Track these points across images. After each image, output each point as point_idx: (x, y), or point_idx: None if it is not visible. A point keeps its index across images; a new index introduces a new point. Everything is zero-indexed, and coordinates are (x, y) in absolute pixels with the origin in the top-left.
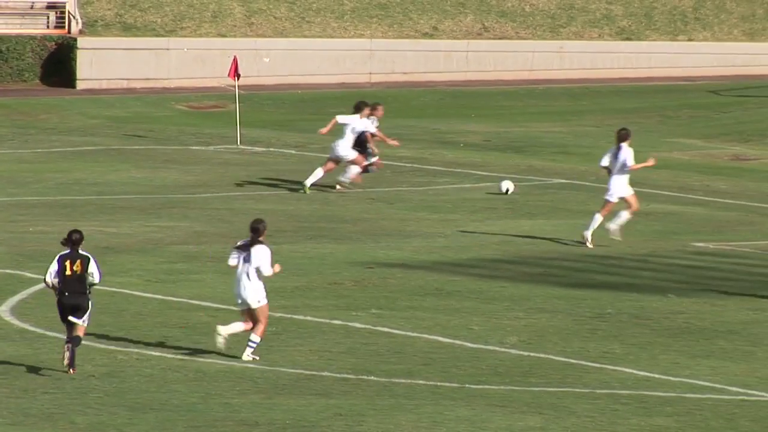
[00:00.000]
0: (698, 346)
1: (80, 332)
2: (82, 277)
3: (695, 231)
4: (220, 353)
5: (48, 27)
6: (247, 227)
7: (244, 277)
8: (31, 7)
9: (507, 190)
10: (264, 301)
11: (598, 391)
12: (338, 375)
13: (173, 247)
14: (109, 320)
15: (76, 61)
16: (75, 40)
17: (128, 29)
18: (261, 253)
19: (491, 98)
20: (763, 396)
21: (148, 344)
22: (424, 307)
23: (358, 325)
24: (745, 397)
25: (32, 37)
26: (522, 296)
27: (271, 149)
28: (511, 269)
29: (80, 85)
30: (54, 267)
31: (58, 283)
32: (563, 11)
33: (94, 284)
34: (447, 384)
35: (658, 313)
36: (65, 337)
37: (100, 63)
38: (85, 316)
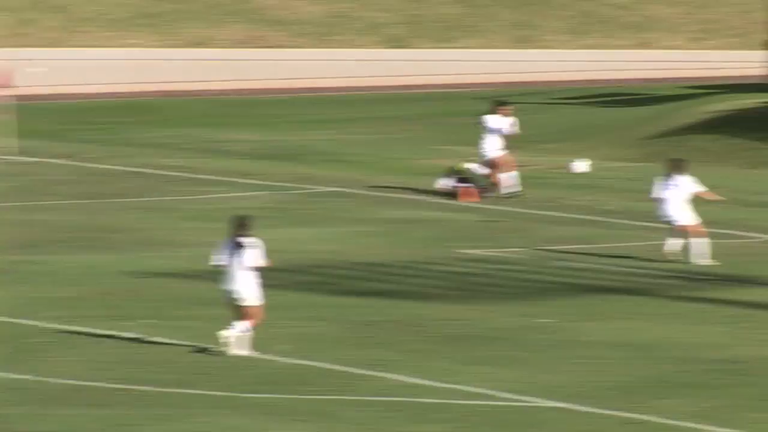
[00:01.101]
0: (469, 352)
1: None
2: None
3: (464, 237)
4: None
5: None
6: (17, 240)
7: (239, 273)
8: None
9: None
10: (261, 300)
11: (369, 398)
12: (111, 385)
13: None
14: None
15: None
16: None
17: None
18: (254, 247)
19: (261, 107)
20: (533, 401)
21: None
22: (197, 317)
23: (130, 334)
24: (516, 403)
25: None
26: (293, 304)
27: (41, 159)
28: (283, 277)
29: None
30: None
31: None
32: (332, 19)
33: None
34: (220, 393)
35: (428, 320)
36: None
37: None
38: None
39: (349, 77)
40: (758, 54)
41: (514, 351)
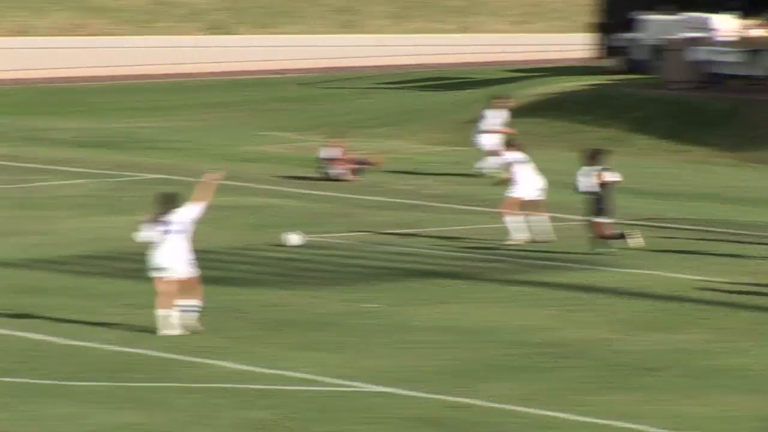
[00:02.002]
0: (295, 338)
1: None
2: None
3: (290, 224)
4: None
5: None
6: None
7: (172, 247)
8: None
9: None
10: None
11: (196, 385)
12: None
13: None
14: None
15: None
16: None
17: None
18: (188, 211)
19: (83, 95)
20: (359, 386)
21: None
22: (21, 305)
23: None
24: (341, 388)
25: None
26: (119, 292)
27: None
28: (108, 265)
29: None
30: None
31: None
32: (154, 6)
33: None
34: (45, 381)
35: (255, 307)
36: None
37: None
38: None
39: (172, 64)
40: (581, 37)
41: (340, 336)
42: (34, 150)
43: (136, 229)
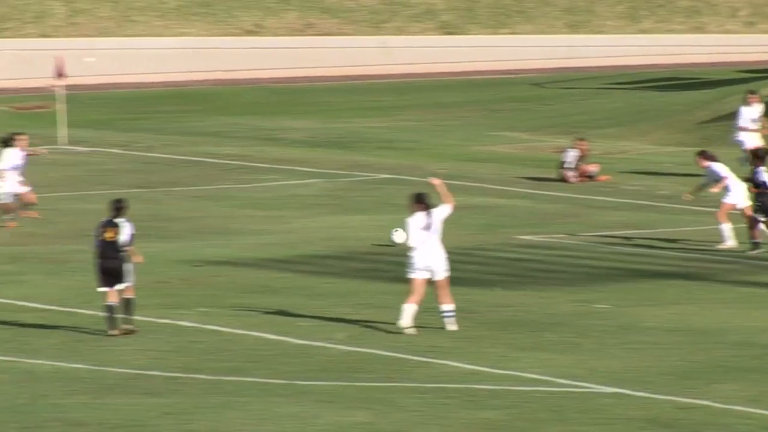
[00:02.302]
0: (525, 338)
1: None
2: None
3: (521, 224)
4: (48, 356)
5: None
6: (74, 227)
7: (429, 247)
8: None
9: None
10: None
11: (426, 385)
12: (167, 374)
13: None
14: None
15: None
16: None
17: None
18: (441, 211)
19: (315, 94)
20: (589, 387)
21: None
22: (252, 305)
23: (185, 323)
24: (572, 389)
25: None
26: (349, 292)
27: (96, 149)
28: (339, 265)
29: None
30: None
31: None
32: (386, 6)
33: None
34: (275, 381)
35: (485, 307)
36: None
37: None
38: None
39: (403, 64)
40: None
41: (570, 337)
42: (265, 150)
43: (367, 228)
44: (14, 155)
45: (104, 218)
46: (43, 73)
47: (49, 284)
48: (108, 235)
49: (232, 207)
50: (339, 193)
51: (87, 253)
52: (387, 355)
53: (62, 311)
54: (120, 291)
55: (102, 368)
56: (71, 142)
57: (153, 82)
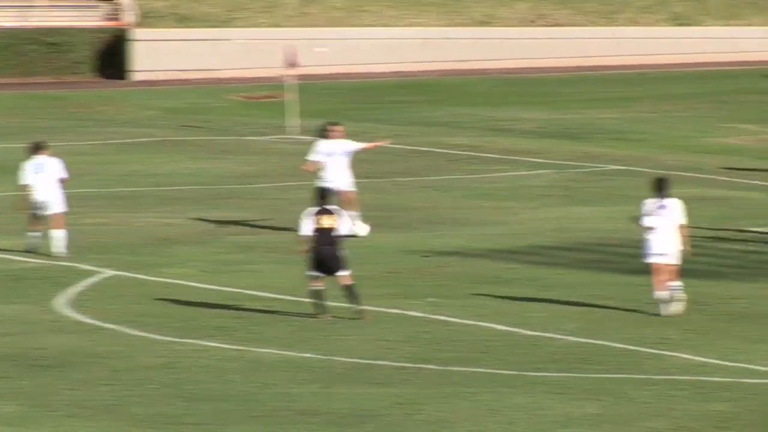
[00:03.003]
0: (756, 331)
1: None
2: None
3: (754, 215)
4: (277, 345)
5: (102, 19)
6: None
7: (665, 232)
8: (85, 0)
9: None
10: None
11: (655, 377)
12: (396, 363)
13: (230, 238)
14: (166, 311)
15: (130, 52)
16: (129, 31)
17: (182, 21)
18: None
19: (546, 85)
20: None
21: (205, 335)
22: (481, 295)
23: (415, 313)
24: None
25: (86, 30)
26: (579, 283)
27: None
28: (568, 256)
29: (135, 76)
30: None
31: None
32: None
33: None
34: (504, 371)
35: (715, 299)
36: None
37: (154, 54)
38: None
39: (634, 55)
40: None
41: None
42: (495, 140)
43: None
44: (334, 145)
45: (314, 207)
46: (274, 63)
47: (278, 274)
48: (325, 222)
49: (461, 197)
50: (568, 184)
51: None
52: (616, 347)
53: (291, 300)
54: (340, 278)
55: (330, 357)
56: (302, 132)
57: (383, 72)
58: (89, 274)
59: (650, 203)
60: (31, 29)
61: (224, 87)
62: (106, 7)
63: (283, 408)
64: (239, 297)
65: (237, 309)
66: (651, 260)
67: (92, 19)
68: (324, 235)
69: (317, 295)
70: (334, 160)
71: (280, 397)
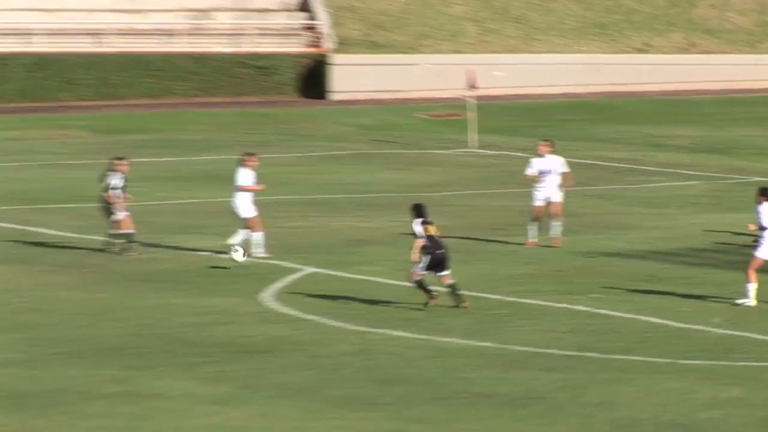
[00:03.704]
0: None
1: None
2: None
3: None
4: (458, 334)
5: (304, 46)
6: (483, 222)
7: None
8: (290, 29)
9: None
10: None
11: None
12: (563, 352)
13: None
14: (359, 305)
15: (329, 75)
16: (328, 57)
17: (375, 47)
18: None
19: (697, 106)
20: None
21: (394, 325)
22: (639, 292)
23: (580, 307)
24: None
25: (291, 55)
26: (725, 282)
27: (503, 152)
28: (716, 257)
29: (333, 96)
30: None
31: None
32: (760, 28)
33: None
34: (659, 360)
35: None
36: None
37: (350, 77)
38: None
39: None
40: None
41: None
42: (653, 155)
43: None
44: (546, 161)
45: (419, 218)
46: (456, 85)
47: (460, 271)
48: (432, 230)
49: (622, 205)
50: (717, 194)
51: (495, 245)
52: (759, 338)
53: (471, 296)
54: (444, 278)
55: (505, 346)
56: (480, 146)
57: (553, 94)
58: (292, 271)
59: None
60: (242, 55)
61: (412, 106)
62: (308, 36)
63: (463, 391)
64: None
65: (422, 302)
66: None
67: (296, 46)
68: (434, 241)
69: (423, 283)
70: (546, 175)
71: (460, 381)
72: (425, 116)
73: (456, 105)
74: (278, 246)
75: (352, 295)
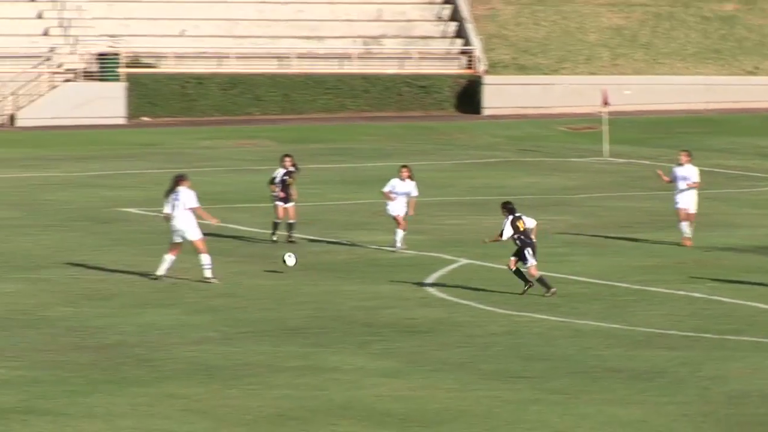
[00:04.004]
0: None
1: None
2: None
3: None
4: (592, 317)
5: (460, 68)
6: (614, 220)
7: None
8: (448, 53)
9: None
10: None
11: None
12: (682, 333)
13: (556, 236)
14: (507, 291)
15: (482, 93)
16: (481, 77)
17: (522, 69)
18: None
19: None
20: None
21: (537, 309)
22: (749, 281)
23: (697, 294)
24: None
25: (449, 76)
26: None
27: (631, 161)
28: None
29: (485, 112)
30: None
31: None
32: None
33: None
34: (766, 340)
35: None
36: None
37: (500, 95)
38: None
39: None
40: None
41: None
42: (762, 163)
43: None
44: (683, 170)
45: (509, 215)
46: (591, 101)
47: (593, 263)
48: (521, 225)
49: (734, 206)
50: None
51: (623, 241)
52: None
53: (603, 284)
54: (530, 268)
55: (633, 328)
56: (612, 155)
57: (675, 110)
58: (449, 262)
59: None
60: (406, 75)
61: (553, 120)
62: (463, 59)
63: (595, 366)
64: (562, 281)
65: (561, 290)
66: None
67: (453, 68)
68: (524, 234)
69: (541, 278)
70: (680, 182)
71: (593, 358)
72: (565, 129)
73: (591, 119)
74: (437, 240)
75: (500, 283)
